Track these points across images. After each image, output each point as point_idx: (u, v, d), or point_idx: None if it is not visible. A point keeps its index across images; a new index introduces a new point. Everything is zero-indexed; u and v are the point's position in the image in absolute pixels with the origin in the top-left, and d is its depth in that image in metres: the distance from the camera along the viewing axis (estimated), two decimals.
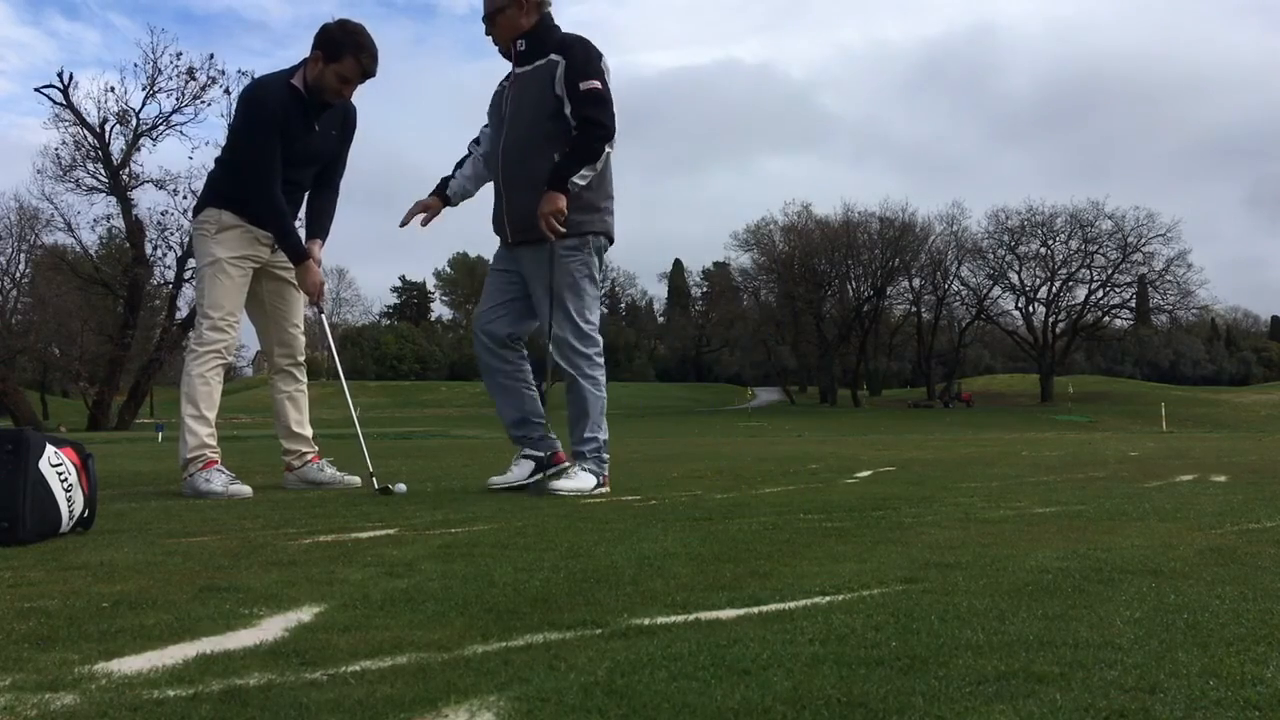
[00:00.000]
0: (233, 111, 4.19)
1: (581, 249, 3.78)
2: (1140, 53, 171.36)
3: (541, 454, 3.91)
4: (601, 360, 3.91)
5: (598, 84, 3.64)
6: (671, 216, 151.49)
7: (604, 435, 3.88)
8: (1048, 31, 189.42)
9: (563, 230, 3.66)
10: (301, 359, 4.25)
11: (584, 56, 3.69)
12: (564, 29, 3.82)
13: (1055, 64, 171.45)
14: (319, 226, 4.16)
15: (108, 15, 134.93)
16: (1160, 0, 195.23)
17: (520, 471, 3.88)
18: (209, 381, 3.88)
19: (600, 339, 3.92)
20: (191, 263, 33.17)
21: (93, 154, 31.70)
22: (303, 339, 4.25)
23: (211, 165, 4.31)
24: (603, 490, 3.79)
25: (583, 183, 3.67)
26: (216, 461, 3.80)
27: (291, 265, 4.03)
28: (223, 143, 4.36)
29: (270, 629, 1.43)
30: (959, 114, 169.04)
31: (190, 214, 4.45)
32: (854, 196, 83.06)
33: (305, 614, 1.54)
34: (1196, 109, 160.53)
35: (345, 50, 3.84)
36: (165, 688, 1.14)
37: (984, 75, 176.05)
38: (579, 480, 3.73)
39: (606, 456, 3.88)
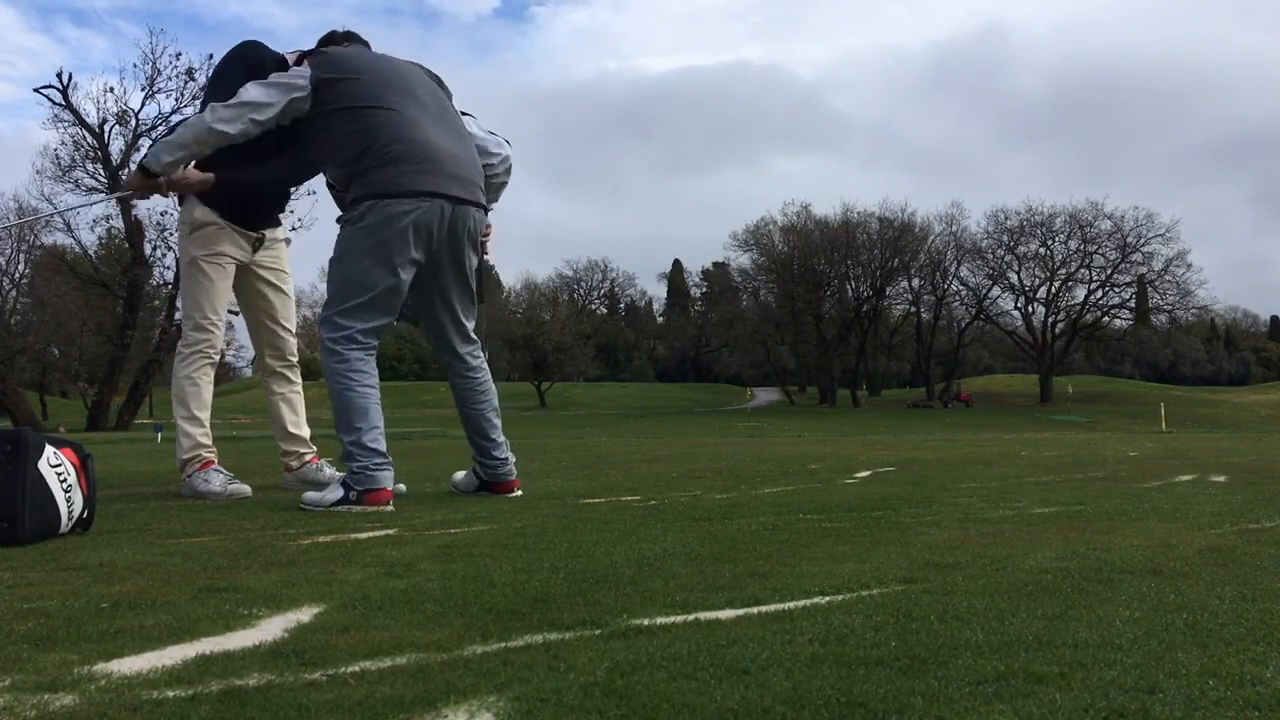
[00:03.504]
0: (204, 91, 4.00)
1: (353, 222, 3.38)
2: (1151, 52, 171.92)
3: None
4: (340, 350, 3.34)
5: None
6: (679, 216, 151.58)
7: (350, 438, 3.27)
8: (1057, 31, 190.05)
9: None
10: (293, 359, 4.22)
11: None
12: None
13: (1066, 63, 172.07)
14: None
15: (116, 22, 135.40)
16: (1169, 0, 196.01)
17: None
18: (197, 382, 3.86)
19: (346, 326, 3.36)
20: None
21: (92, 154, 31.66)
22: (293, 341, 4.23)
23: None
24: (365, 509, 3.13)
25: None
26: (213, 462, 3.79)
27: (278, 266, 4.07)
28: None
29: (270, 629, 1.44)
30: (970, 115, 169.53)
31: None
32: (865, 197, 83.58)
33: (305, 614, 1.54)
34: (1206, 108, 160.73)
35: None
36: (165, 688, 1.14)
37: (994, 76, 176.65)
38: (326, 492, 3.26)
39: (357, 466, 3.22)
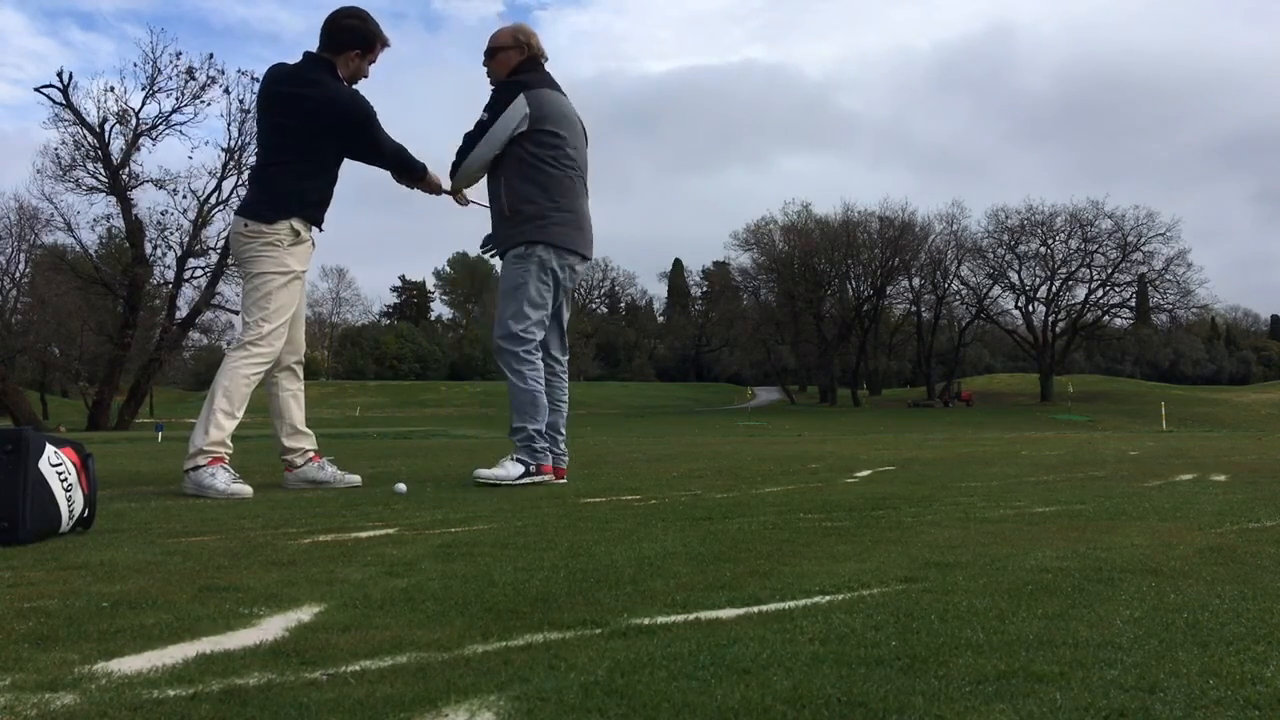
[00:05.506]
0: (314, 118, 3.99)
1: (526, 258, 4.22)
2: (1157, 51, 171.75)
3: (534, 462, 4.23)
4: (530, 357, 4.23)
5: (485, 115, 4.22)
6: (684, 216, 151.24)
7: (534, 425, 4.17)
8: (1063, 30, 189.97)
9: (459, 200, 4.41)
10: (303, 359, 4.26)
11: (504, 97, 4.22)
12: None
13: (1073, 62, 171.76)
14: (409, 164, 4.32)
15: (123, 26, 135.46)
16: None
17: (510, 471, 4.13)
18: (252, 384, 3.91)
19: (529, 338, 4.24)
20: (192, 262, 33.38)
21: (92, 154, 31.69)
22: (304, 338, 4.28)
23: (231, 172, 4.41)
24: (541, 478, 4.11)
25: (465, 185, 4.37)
26: (224, 460, 3.81)
27: (307, 266, 4.14)
28: (287, 148, 4.04)
29: (270, 629, 1.44)
30: (978, 114, 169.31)
31: (244, 217, 4.00)
32: (874, 197, 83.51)
33: (305, 614, 1.54)
34: (1212, 106, 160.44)
35: (376, 40, 4.12)
36: (165, 688, 1.14)
37: (1002, 75, 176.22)
38: (504, 469, 4.08)
39: (540, 445, 4.18)
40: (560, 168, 4.24)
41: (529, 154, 4.20)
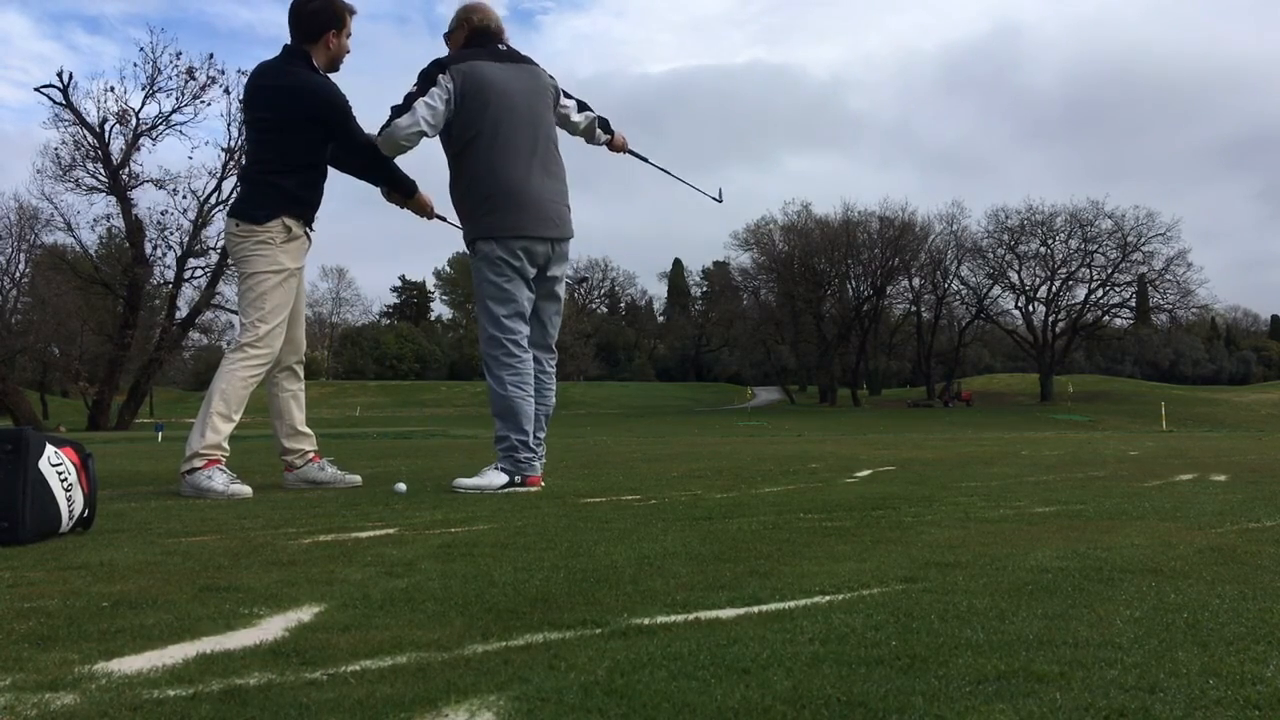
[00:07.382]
0: (287, 109, 3.98)
1: (475, 256, 4.04)
2: (1162, 50, 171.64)
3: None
4: (510, 360, 3.93)
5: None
6: (687, 215, 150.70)
7: (518, 435, 3.89)
8: (1069, 30, 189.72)
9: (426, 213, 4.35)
10: (304, 358, 4.26)
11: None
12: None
13: (1079, 63, 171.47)
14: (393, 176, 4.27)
15: (128, 30, 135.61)
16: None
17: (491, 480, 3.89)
18: (249, 387, 3.89)
19: (507, 341, 3.93)
20: (192, 262, 33.42)
21: (92, 154, 31.73)
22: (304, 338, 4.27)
23: (229, 173, 4.36)
24: (527, 490, 3.84)
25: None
26: (221, 461, 3.80)
27: (302, 263, 4.10)
28: (272, 144, 4.00)
29: (270, 629, 1.44)
30: (985, 114, 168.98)
31: (235, 217, 3.99)
32: (878, 197, 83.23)
33: (305, 614, 1.54)
34: (1219, 106, 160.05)
35: (346, 13, 4.07)
36: (165, 688, 1.14)
37: (1007, 75, 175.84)
38: (482, 478, 3.84)
39: (524, 456, 3.89)
40: (481, 148, 3.91)
41: (450, 140, 3.97)
